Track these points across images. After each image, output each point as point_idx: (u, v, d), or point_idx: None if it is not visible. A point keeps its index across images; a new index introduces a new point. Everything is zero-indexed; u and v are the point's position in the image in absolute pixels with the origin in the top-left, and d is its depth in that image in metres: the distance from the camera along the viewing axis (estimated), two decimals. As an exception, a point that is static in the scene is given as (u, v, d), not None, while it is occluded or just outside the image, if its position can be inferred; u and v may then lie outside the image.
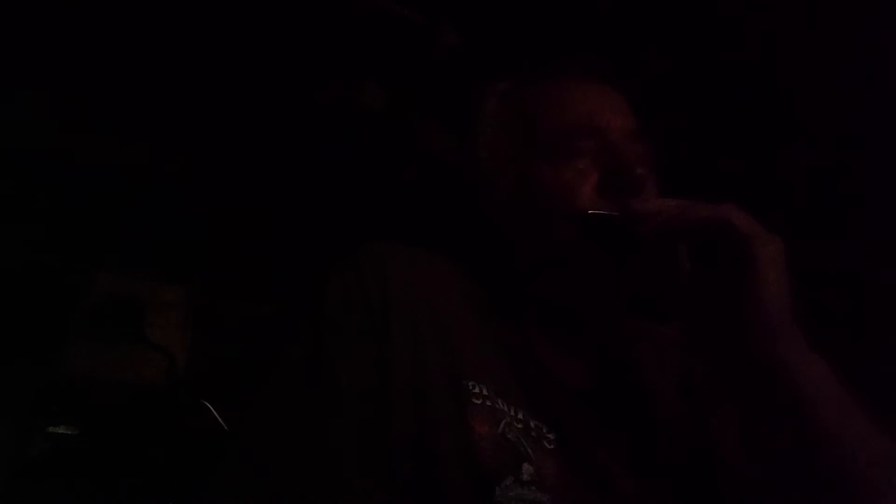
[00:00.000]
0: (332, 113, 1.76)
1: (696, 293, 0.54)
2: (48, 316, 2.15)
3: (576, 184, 0.59)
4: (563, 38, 1.62)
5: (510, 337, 0.59)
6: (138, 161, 2.10)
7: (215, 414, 1.35)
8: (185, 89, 1.86)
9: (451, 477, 0.48)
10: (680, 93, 1.51)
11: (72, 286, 2.26)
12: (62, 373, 1.91)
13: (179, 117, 1.96)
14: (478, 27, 1.62)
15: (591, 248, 0.57)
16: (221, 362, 2.28)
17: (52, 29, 1.67)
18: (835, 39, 1.31)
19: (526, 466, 0.50)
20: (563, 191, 0.59)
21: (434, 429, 0.50)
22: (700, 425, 0.62)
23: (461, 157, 0.72)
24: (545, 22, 1.64)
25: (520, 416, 0.54)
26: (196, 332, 2.21)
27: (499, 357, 0.57)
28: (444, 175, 1.71)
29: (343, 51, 1.73)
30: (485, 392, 0.53)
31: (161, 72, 1.79)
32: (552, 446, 0.53)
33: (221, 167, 2.06)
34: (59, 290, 2.32)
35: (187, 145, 2.10)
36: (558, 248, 0.58)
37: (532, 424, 0.54)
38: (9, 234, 2.21)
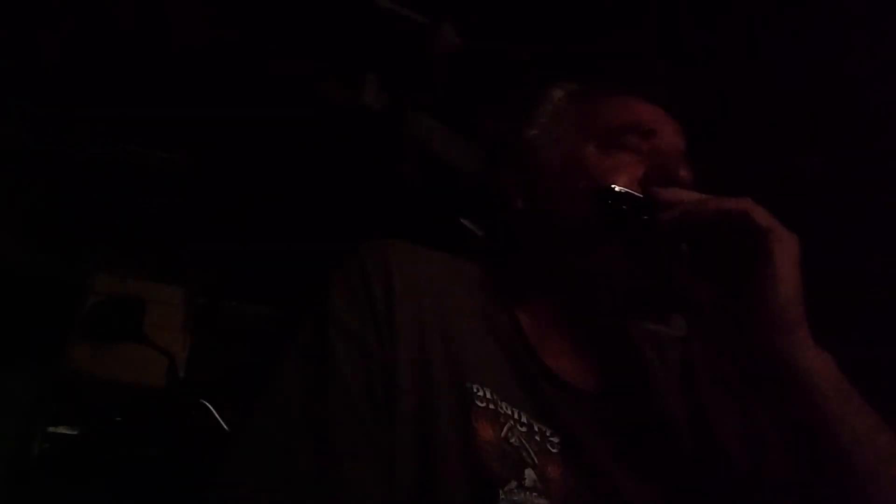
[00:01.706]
0: (333, 113, 1.76)
1: (707, 285, 0.54)
2: (48, 316, 2.15)
3: (616, 171, 0.60)
4: (564, 38, 1.62)
5: (514, 339, 0.59)
6: (139, 160, 2.10)
7: (215, 414, 1.35)
8: (187, 89, 1.86)
9: (455, 480, 0.48)
10: (689, 94, 1.51)
11: (72, 286, 2.26)
12: (62, 373, 1.91)
13: (180, 117, 1.96)
14: (478, 27, 1.62)
15: (607, 234, 0.57)
16: (221, 362, 2.28)
17: (53, 28, 1.67)
18: (840, 38, 1.31)
19: (528, 472, 0.50)
20: (602, 174, 0.60)
21: (438, 432, 0.50)
22: (704, 428, 0.62)
23: (508, 134, 0.74)
24: (545, 22, 1.64)
25: (523, 419, 0.53)
26: (196, 332, 2.21)
27: (502, 359, 0.57)
28: (442, 173, 1.71)
29: (343, 51, 1.73)
30: (488, 395, 0.53)
31: (162, 71, 1.79)
32: (556, 450, 0.53)
33: (222, 167, 2.06)
34: (59, 290, 2.31)
35: (188, 145, 2.10)
36: (580, 228, 0.59)
37: (536, 428, 0.54)
38: (9, 233, 2.21)
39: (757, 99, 1.48)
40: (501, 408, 0.52)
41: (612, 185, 0.57)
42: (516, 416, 0.53)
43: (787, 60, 1.42)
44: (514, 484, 0.48)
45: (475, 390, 0.52)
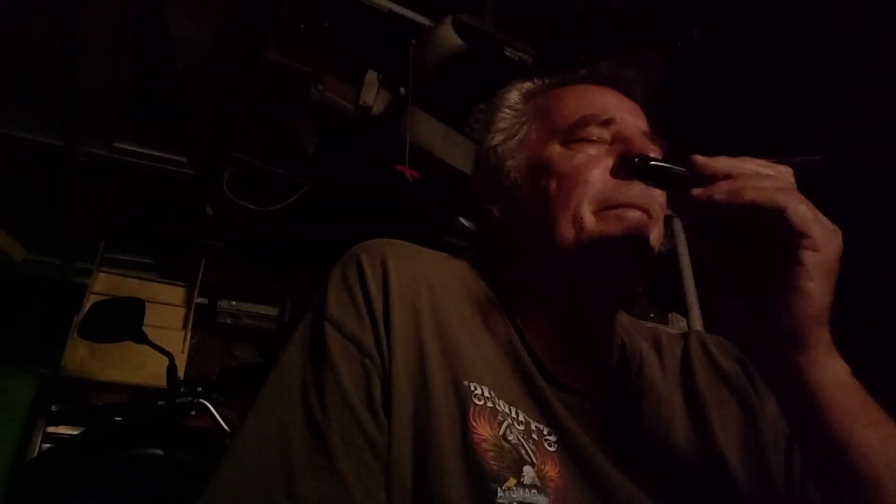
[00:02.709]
0: (333, 113, 1.76)
1: (730, 280, 0.50)
2: (48, 316, 2.15)
3: (587, 167, 0.59)
4: (563, 38, 1.62)
5: (511, 338, 0.59)
6: (139, 161, 2.10)
7: (215, 414, 1.35)
8: (187, 91, 1.86)
9: (453, 479, 0.48)
10: (681, 93, 1.51)
11: (72, 286, 2.26)
12: (62, 373, 1.91)
13: (181, 118, 1.96)
14: (479, 27, 1.62)
15: (594, 238, 0.56)
16: (221, 362, 2.29)
17: (53, 29, 1.67)
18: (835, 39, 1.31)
19: (527, 469, 0.50)
20: (573, 173, 0.59)
21: (435, 430, 0.49)
22: (702, 426, 0.61)
23: (477, 148, 0.73)
24: (545, 22, 1.64)
25: (521, 417, 0.53)
26: (196, 332, 2.21)
27: (499, 358, 0.57)
28: (442, 173, 1.71)
29: (343, 50, 1.73)
30: (486, 393, 0.52)
31: (162, 73, 1.79)
32: (553, 448, 0.53)
33: (223, 167, 2.06)
34: (59, 290, 2.32)
35: (188, 145, 2.10)
36: (559, 235, 0.58)
37: (533, 426, 0.53)
38: (9, 233, 2.21)
39: (755, 98, 1.49)
40: (499, 406, 0.52)
41: (651, 161, 0.50)
42: (514, 414, 0.53)
43: (784, 58, 1.42)
44: (512, 482, 0.48)
45: (473, 388, 0.52)
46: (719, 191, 0.45)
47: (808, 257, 0.44)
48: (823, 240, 0.44)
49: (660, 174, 0.50)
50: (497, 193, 0.66)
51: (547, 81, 0.70)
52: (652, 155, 0.51)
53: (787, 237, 0.44)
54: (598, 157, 0.60)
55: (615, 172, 0.57)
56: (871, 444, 0.46)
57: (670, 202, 0.51)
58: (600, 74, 0.67)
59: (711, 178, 0.46)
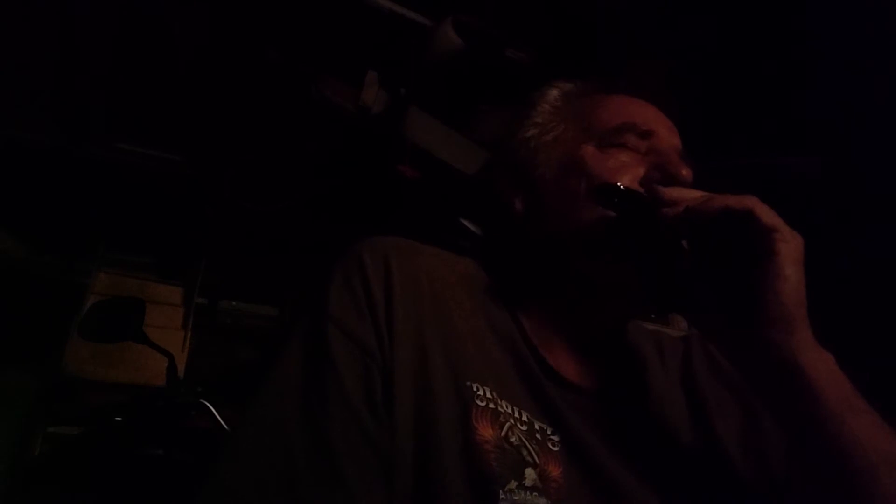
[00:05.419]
0: (332, 113, 1.76)
1: (709, 283, 0.53)
2: (48, 316, 2.15)
3: (619, 172, 0.59)
4: (563, 38, 1.62)
5: (515, 337, 0.59)
6: (139, 161, 2.10)
7: (215, 414, 1.34)
8: (186, 89, 1.86)
9: (455, 480, 0.47)
10: (684, 94, 1.51)
11: (72, 286, 2.26)
12: (62, 373, 1.91)
13: (181, 117, 1.96)
14: (479, 27, 1.62)
15: (611, 233, 0.57)
16: (221, 362, 2.29)
17: (53, 29, 1.67)
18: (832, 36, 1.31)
19: (528, 471, 0.50)
20: (604, 174, 0.59)
21: (437, 431, 0.49)
22: (704, 427, 0.61)
23: (504, 135, 0.73)
24: (545, 23, 1.64)
25: (524, 417, 0.53)
26: (196, 332, 2.21)
27: (503, 357, 0.57)
28: (442, 173, 1.71)
29: (343, 50, 1.73)
30: (488, 394, 0.52)
31: (162, 73, 1.79)
32: (556, 448, 0.53)
33: (223, 167, 2.06)
34: (59, 290, 2.32)
35: (188, 145, 2.10)
36: (584, 231, 0.58)
37: (536, 426, 0.53)
38: (9, 233, 2.21)
39: (755, 98, 1.49)
40: (501, 406, 0.52)
41: (617, 184, 0.56)
42: (517, 414, 0.53)
43: (785, 60, 1.42)
44: (514, 483, 0.48)
45: (475, 389, 0.51)
46: (693, 202, 0.52)
47: (782, 248, 0.49)
48: (790, 234, 0.50)
49: (632, 199, 0.56)
50: (521, 186, 0.66)
51: (590, 85, 0.71)
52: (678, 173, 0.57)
53: (761, 233, 0.50)
54: (630, 164, 0.60)
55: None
56: (862, 432, 0.47)
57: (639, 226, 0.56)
58: (645, 88, 0.68)
59: (671, 202, 0.53)
